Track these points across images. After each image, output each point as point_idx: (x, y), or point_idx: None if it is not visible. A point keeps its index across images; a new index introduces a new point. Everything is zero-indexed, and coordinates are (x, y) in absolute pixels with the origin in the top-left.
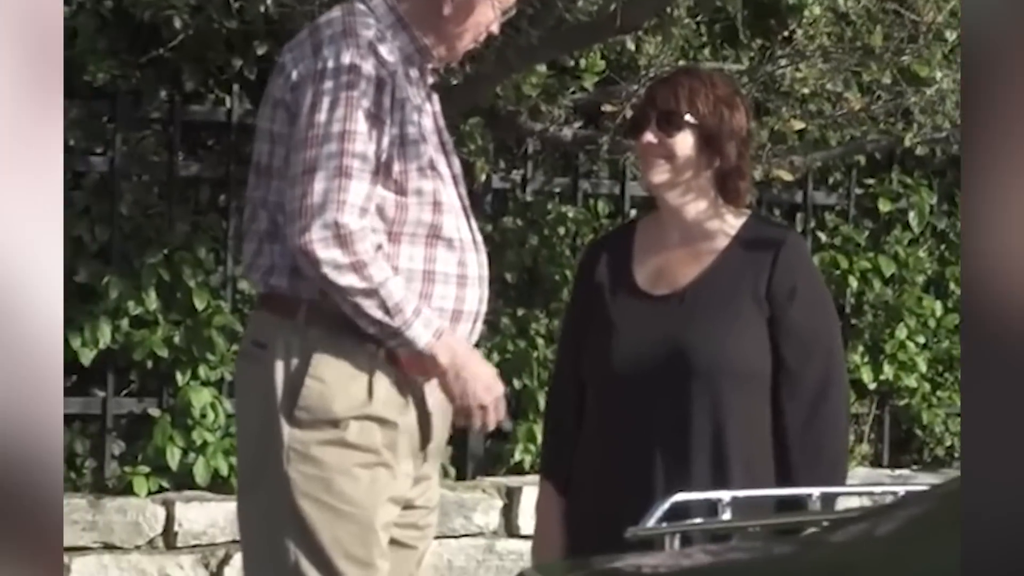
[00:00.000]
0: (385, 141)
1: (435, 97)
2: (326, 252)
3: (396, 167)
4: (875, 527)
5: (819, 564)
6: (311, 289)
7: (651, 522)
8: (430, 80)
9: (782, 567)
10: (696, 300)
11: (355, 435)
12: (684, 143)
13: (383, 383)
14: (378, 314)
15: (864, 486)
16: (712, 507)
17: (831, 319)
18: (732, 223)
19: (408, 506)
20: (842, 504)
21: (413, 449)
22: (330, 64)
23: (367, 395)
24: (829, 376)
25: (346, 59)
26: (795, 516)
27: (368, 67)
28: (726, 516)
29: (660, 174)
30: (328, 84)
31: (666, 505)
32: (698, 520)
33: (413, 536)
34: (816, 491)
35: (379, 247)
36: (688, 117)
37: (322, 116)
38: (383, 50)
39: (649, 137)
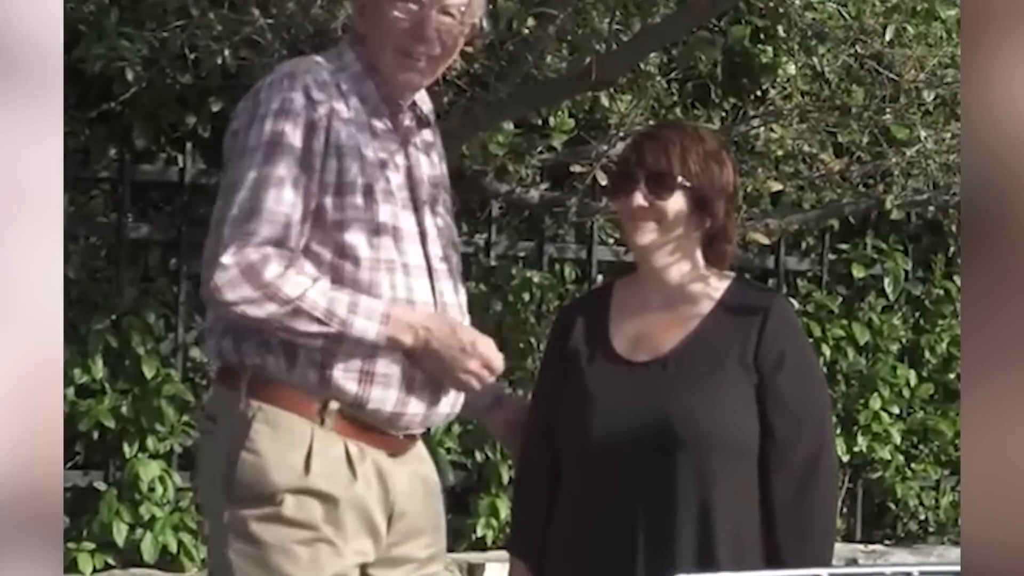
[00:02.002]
0: (312, 186)
1: (433, 156)
2: (235, 293)
3: (330, 216)
4: None
5: None
6: (252, 352)
7: None
8: (425, 138)
9: None
10: (680, 367)
11: (292, 510)
12: (676, 205)
13: (325, 455)
14: (313, 327)
15: (873, 567)
16: None
17: (821, 387)
18: (716, 286)
19: None
20: None
21: (369, 526)
22: (260, 110)
23: (304, 467)
24: (820, 446)
25: (275, 104)
26: None
27: (297, 108)
28: None
29: (647, 235)
30: (255, 130)
31: None
32: None
33: None
34: (824, 571)
35: (288, 266)
36: (681, 179)
37: (242, 161)
38: (319, 94)
39: (639, 200)
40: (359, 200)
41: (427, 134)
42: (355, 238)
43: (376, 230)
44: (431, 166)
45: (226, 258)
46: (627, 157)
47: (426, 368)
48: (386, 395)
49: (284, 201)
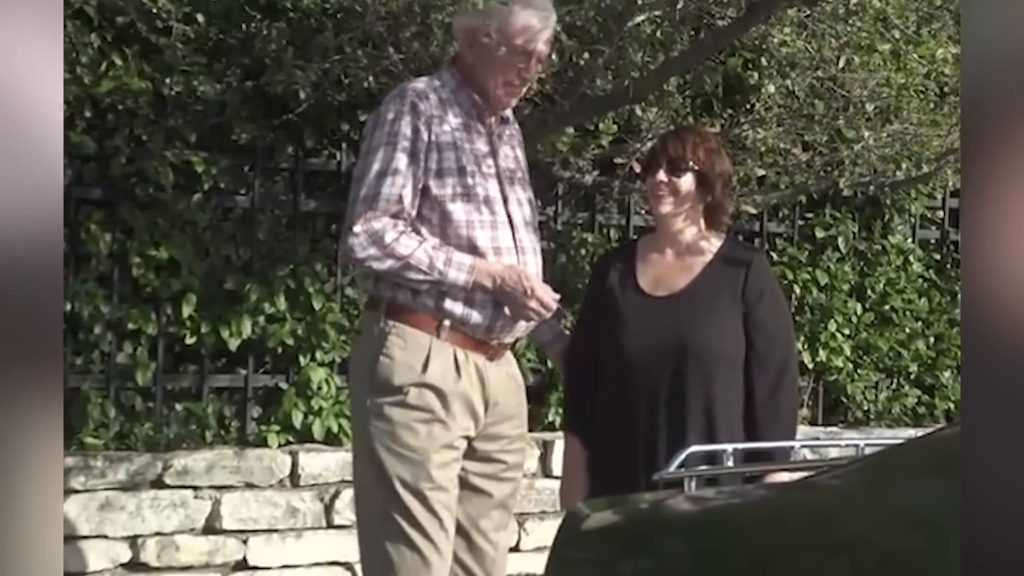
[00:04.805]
0: (419, 172)
1: (512, 145)
2: (364, 252)
3: (434, 191)
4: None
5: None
6: (388, 288)
7: (673, 468)
8: (507, 132)
9: (780, 502)
10: (690, 300)
11: (414, 398)
12: (686, 183)
13: (438, 359)
14: (420, 276)
15: (833, 439)
16: (717, 457)
17: (788, 316)
18: (714, 244)
19: (486, 458)
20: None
21: (470, 410)
22: (379, 118)
23: (422, 368)
24: (787, 357)
25: (390, 114)
26: (784, 465)
27: (406, 117)
28: (729, 464)
29: (667, 206)
30: (376, 132)
31: (683, 455)
32: (704, 467)
33: (489, 484)
34: (797, 444)
35: (402, 232)
36: (691, 163)
37: (368, 156)
38: (422, 106)
39: (661, 177)
40: (455, 179)
41: (506, 128)
42: (453, 206)
43: (469, 198)
44: (512, 151)
45: (356, 227)
46: (654, 147)
47: (502, 302)
48: (483, 313)
49: (397, 185)
